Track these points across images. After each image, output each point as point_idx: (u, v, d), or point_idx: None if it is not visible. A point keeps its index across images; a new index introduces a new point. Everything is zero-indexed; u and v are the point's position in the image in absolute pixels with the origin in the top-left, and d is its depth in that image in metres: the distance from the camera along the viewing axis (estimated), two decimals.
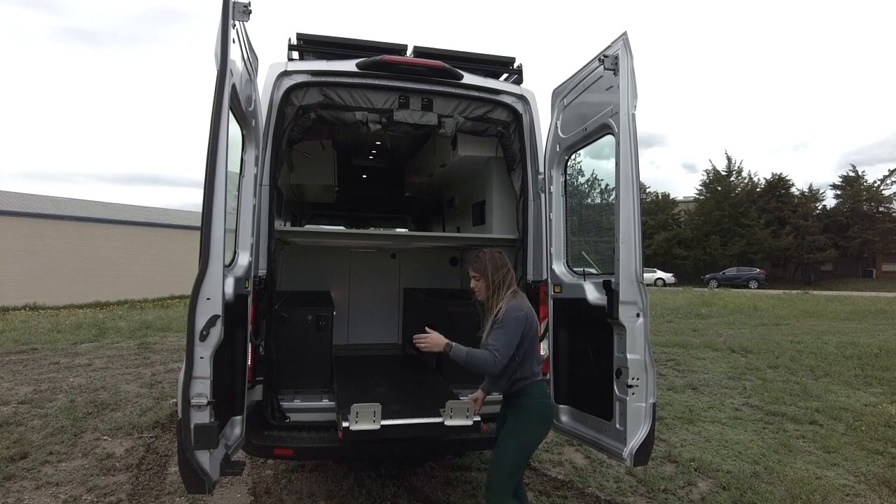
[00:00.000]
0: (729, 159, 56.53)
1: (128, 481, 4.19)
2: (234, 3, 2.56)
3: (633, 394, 2.85)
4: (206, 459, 2.38)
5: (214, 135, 2.40)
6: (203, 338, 2.35)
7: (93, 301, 19.84)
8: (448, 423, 2.88)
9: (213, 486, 2.43)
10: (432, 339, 2.77)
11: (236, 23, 2.63)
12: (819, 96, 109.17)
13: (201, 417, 2.35)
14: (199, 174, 2.41)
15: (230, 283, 2.77)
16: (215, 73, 2.45)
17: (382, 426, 2.81)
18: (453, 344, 2.74)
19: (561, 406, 3.55)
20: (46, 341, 10.85)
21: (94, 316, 15.44)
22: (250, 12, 2.70)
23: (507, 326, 2.72)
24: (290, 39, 3.64)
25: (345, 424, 2.80)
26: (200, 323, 2.35)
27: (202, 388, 2.35)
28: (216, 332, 2.39)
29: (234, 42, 2.59)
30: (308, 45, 3.67)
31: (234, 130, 3.06)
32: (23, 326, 12.98)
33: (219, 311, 2.40)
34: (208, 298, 2.38)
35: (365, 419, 2.79)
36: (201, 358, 2.35)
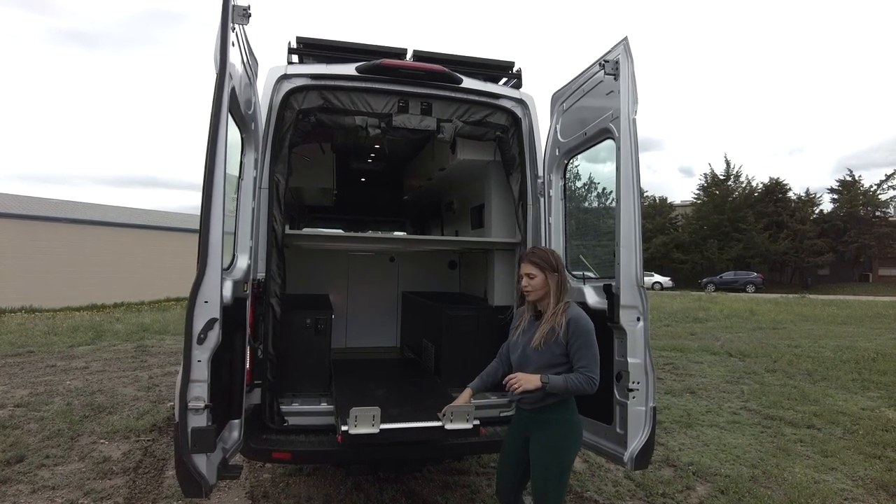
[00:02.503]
0: (727, 163, 56.74)
1: (125, 485, 4.17)
2: (233, 6, 2.56)
3: (633, 397, 2.84)
4: (204, 463, 2.37)
5: (213, 138, 2.40)
6: (201, 341, 2.35)
7: (89, 304, 19.75)
8: (448, 426, 2.88)
9: (210, 490, 2.42)
10: (522, 378, 2.59)
11: (236, 26, 2.63)
12: (815, 101, 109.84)
13: (198, 421, 2.34)
14: (197, 177, 2.42)
15: (228, 286, 2.76)
16: (214, 76, 2.45)
17: (382, 430, 2.81)
18: (549, 377, 2.56)
19: None
20: (43, 344, 10.79)
21: (90, 318, 15.38)
22: (250, 15, 2.70)
23: (588, 339, 2.57)
24: (289, 43, 3.65)
25: (344, 428, 2.80)
26: (198, 326, 2.35)
27: (200, 392, 2.34)
28: (214, 336, 2.38)
29: (233, 45, 2.59)
30: (308, 49, 3.67)
31: (233, 133, 3.05)
32: (19, 329, 12.91)
33: (217, 314, 2.39)
34: (206, 301, 2.37)
35: (364, 423, 2.79)
36: (199, 361, 2.34)
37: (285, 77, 3.44)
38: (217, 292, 2.40)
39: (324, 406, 3.51)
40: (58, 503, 3.86)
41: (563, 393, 2.59)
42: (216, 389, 2.51)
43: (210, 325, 2.37)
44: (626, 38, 2.92)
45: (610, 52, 3.01)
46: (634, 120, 2.87)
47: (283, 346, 3.40)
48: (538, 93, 3.87)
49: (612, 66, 2.95)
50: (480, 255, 4.98)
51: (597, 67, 3.10)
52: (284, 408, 3.40)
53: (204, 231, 2.37)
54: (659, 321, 16.53)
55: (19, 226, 18.96)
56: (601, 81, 3.12)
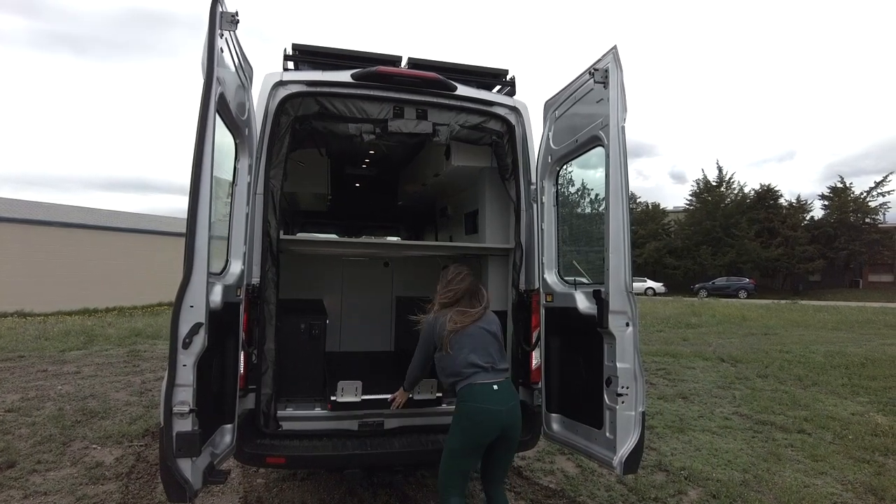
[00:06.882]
0: (720, 169, 57.07)
1: (117, 490, 4.15)
2: (221, 12, 2.58)
3: (622, 402, 2.87)
4: (188, 468, 2.38)
5: (199, 143, 2.41)
6: (186, 345, 2.35)
7: (81, 308, 19.62)
8: (416, 397, 3.49)
9: (194, 495, 2.41)
10: (398, 399, 3.41)
11: (224, 32, 2.65)
12: (804, 108, 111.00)
13: (183, 425, 2.34)
14: (188, 181, 2.42)
15: (218, 290, 2.77)
16: (202, 81, 2.47)
17: (363, 399, 3.42)
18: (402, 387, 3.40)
19: (552, 414, 3.57)
20: (34, 349, 10.72)
21: (82, 323, 15.28)
22: (238, 22, 2.70)
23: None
24: (285, 49, 3.67)
25: (333, 398, 3.39)
26: (183, 330, 2.35)
27: (184, 396, 2.34)
28: (199, 340, 2.39)
29: (222, 51, 2.61)
30: (303, 56, 3.70)
31: (226, 139, 3.08)
32: (9, 334, 12.81)
33: (202, 318, 2.40)
34: (192, 306, 2.38)
35: (348, 393, 3.39)
36: (184, 366, 2.35)
37: (281, 83, 3.46)
38: (203, 297, 2.40)
39: (318, 411, 3.53)
40: None
41: (416, 382, 3.40)
42: (206, 394, 2.51)
43: (195, 329, 2.37)
44: (615, 47, 2.97)
45: (599, 60, 3.05)
46: (623, 128, 2.91)
47: (277, 351, 3.42)
48: (531, 100, 3.92)
49: (601, 75, 2.99)
50: (474, 261, 5.00)
51: (587, 76, 3.14)
52: (279, 413, 3.42)
53: (190, 236, 2.39)
54: (652, 326, 16.61)
55: (11, 230, 18.85)
56: (591, 90, 3.16)
